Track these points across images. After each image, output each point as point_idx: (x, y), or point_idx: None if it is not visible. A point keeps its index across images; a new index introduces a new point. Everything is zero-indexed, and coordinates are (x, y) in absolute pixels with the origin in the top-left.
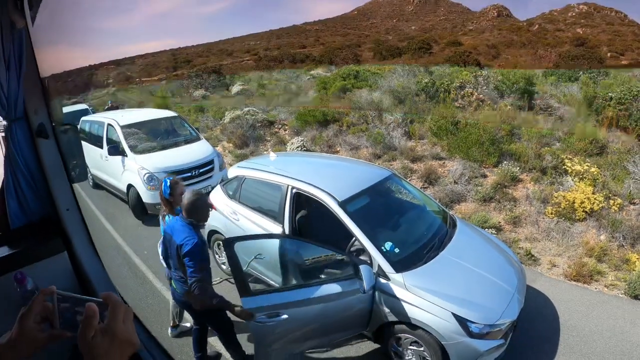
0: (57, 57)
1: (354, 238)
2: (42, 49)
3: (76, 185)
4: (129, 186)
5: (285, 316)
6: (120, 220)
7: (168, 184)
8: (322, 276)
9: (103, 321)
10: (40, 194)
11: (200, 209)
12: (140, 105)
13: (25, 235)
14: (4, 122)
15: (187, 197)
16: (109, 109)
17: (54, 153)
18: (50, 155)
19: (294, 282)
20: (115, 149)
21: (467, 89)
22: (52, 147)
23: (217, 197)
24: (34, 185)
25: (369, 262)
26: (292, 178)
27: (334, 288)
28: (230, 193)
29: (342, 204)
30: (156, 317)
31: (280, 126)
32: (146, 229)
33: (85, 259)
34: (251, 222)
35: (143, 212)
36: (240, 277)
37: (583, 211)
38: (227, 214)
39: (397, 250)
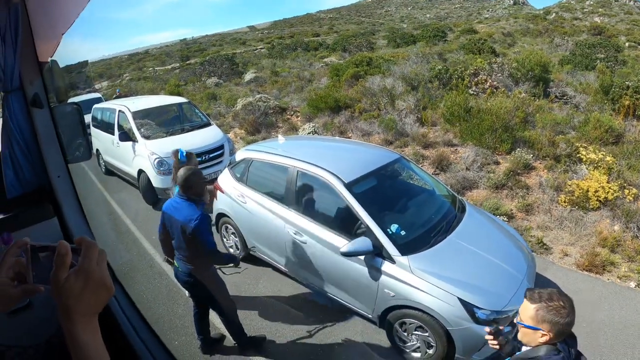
0: (54, 30)
1: (360, 220)
2: (39, 22)
3: (86, 169)
4: (140, 171)
5: (305, 237)
6: (130, 205)
7: (184, 153)
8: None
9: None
10: (35, 164)
11: (195, 183)
12: (152, 93)
13: (19, 204)
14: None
15: (180, 173)
16: (118, 97)
17: (47, 121)
18: (43, 123)
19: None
20: (126, 135)
21: (481, 76)
22: (46, 116)
23: (225, 180)
24: (29, 155)
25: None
26: (299, 160)
27: (339, 241)
28: (238, 176)
29: (348, 186)
30: (163, 300)
31: (292, 113)
32: (156, 213)
33: (74, 225)
34: (258, 204)
35: (153, 197)
36: None
37: (597, 200)
38: (234, 197)
39: (403, 232)
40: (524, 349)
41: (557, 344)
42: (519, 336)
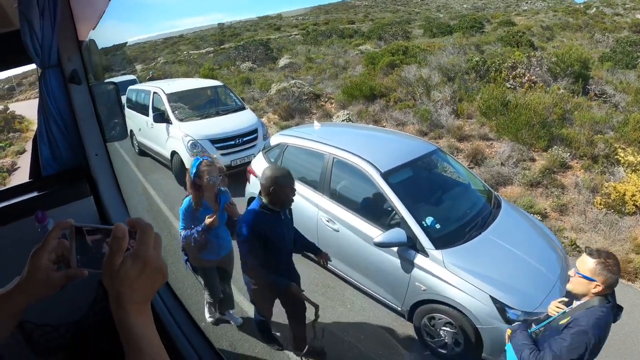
0: (93, 10)
1: (395, 211)
2: (78, 1)
3: (119, 149)
4: (173, 153)
5: (338, 225)
6: (163, 186)
7: (199, 164)
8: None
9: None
10: (72, 142)
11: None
12: (187, 76)
13: (55, 182)
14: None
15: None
16: (151, 79)
17: (85, 98)
18: (81, 100)
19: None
20: (160, 117)
21: (519, 70)
22: (84, 93)
23: (259, 164)
24: (66, 132)
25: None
26: (335, 147)
27: (372, 231)
28: (272, 160)
29: (385, 175)
30: (190, 281)
31: (326, 99)
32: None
33: (110, 204)
34: None
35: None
36: None
37: (634, 205)
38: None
39: (438, 226)
40: (575, 303)
41: (607, 296)
42: (570, 287)
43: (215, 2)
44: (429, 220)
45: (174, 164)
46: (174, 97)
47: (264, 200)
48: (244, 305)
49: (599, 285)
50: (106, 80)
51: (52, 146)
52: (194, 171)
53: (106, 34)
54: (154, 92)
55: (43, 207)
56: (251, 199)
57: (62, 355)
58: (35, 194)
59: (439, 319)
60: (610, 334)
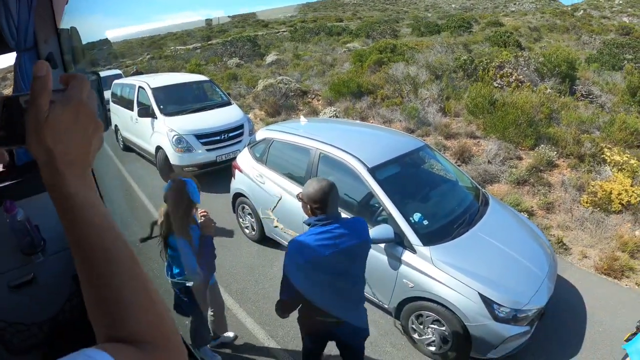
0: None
1: (382, 207)
2: None
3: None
4: (158, 148)
5: None
6: (147, 181)
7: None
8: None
9: None
10: None
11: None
12: (173, 71)
13: (29, 171)
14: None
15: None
16: (134, 74)
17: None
18: (57, 86)
19: None
20: (145, 111)
21: (506, 69)
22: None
23: (244, 159)
24: None
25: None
26: (321, 142)
27: None
28: (258, 155)
29: (372, 171)
30: None
31: (313, 96)
32: None
33: None
34: (277, 185)
35: (170, 174)
36: None
37: (620, 203)
38: (253, 177)
39: (425, 222)
40: None
41: None
42: None
43: None
44: (416, 216)
45: (158, 159)
46: (159, 92)
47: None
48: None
49: None
50: (88, 70)
51: None
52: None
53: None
54: (139, 87)
55: (15, 196)
56: (236, 195)
57: (39, 354)
58: (8, 183)
59: (427, 317)
60: (594, 329)
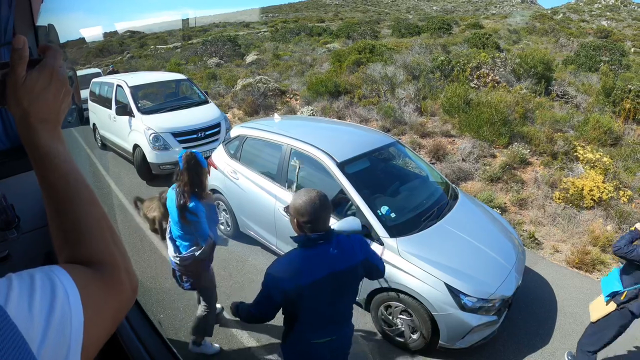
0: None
1: (351, 200)
2: None
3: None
4: (135, 146)
5: None
6: (125, 180)
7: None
8: None
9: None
10: None
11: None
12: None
13: (6, 158)
14: None
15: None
16: (110, 73)
17: None
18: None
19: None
20: (123, 109)
21: (483, 70)
22: None
23: (219, 156)
24: None
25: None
26: (292, 138)
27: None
28: (232, 152)
29: (341, 165)
30: (152, 274)
31: (291, 96)
32: (149, 188)
33: None
34: (251, 181)
35: (147, 173)
36: None
37: (591, 199)
38: (227, 173)
39: (393, 215)
40: None
41: None
42: None
43: None
44: (384, 209)
45: (135, 157)
46: (137, 90)
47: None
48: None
49: None
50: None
51: (4, 122)
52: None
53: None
54: (117, 85)
55: None
56: (211, 191)
57: None
58: None
59: (395, 307)
60: (565, 321)
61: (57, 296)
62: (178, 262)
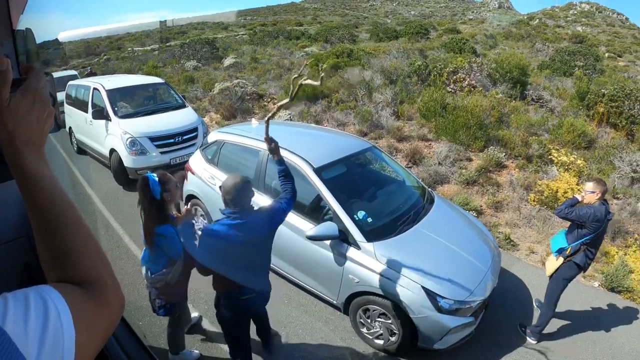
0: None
1: (328, 205)
2: None
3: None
4: (112, 151)
5: None
6: (101, 185)
7: (156, 178)
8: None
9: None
10: None
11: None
12: (129, 73)
13: None
14: None
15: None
16: (88, 74)
17: None
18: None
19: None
20: (99, 113)
21: (459, 74)
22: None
23: (196, 161)
24: None
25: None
26: None
27: (306, 225)
28: (209, 157)
29: (317, 171)
30: (130, 280)
31: (269, 100)
32: (127, 193)
33: None
34: None
35: (124, 177)
36: None
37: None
38: (205, 179)
39: (370, 219)
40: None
41: (604, 200)
42: (585, 201)
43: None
44: (360, 214)
45: (112, 162)
46: (114, 93)
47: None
48: None
49: (599, 194)
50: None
51: None
52: (158, 188)
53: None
54: (94, 88)
55: None
56: (189, 196)
57: None
58: None
59: (374, 310)
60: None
61: (50, 315)
62: (149, 284)
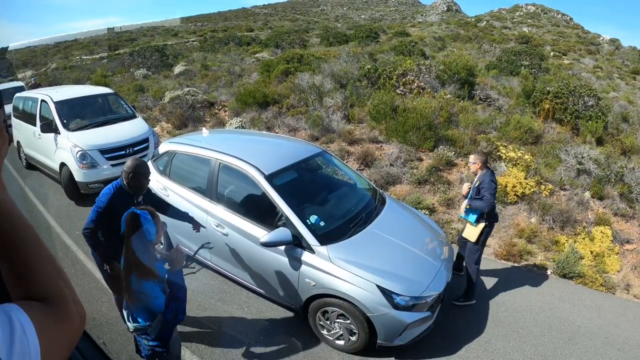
0: None
1: (280, 212)
2: None
3: (5, 162)
4: (62, 165)
5: (227, 229)
6: (52, 201)
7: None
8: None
9: None
10: None
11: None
12: (78, 83)
13: None
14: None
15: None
16: (32, 86)
17: None
18: None
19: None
20: (48, 126)
21: (408, 77)
22: None
23: None
24: None
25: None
26: (221, 152)
27: (260, 232)
28: (161, 169)
29: (269, 178)
30: (87, 297)
31: (220, 107)
32: (79, 208)
33: None
34: (181, 197)
35: (75, 192)
36: None
37: (515, 195)
38: (157, 190)
39: (322, 223)
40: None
41: (487, 167)
42: (472, 170)
43: (113, 5)
44: (313, 218)
45: (63, 176)
46: (62, 105)
47: (124, 182)
48: None
49: (480, 163)
50: None
51: None
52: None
53: None
54: (42, 100)
55: None
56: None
57: None
58: None
59: (332, 312)
60: (498, 310)
61: (16, 330)
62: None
